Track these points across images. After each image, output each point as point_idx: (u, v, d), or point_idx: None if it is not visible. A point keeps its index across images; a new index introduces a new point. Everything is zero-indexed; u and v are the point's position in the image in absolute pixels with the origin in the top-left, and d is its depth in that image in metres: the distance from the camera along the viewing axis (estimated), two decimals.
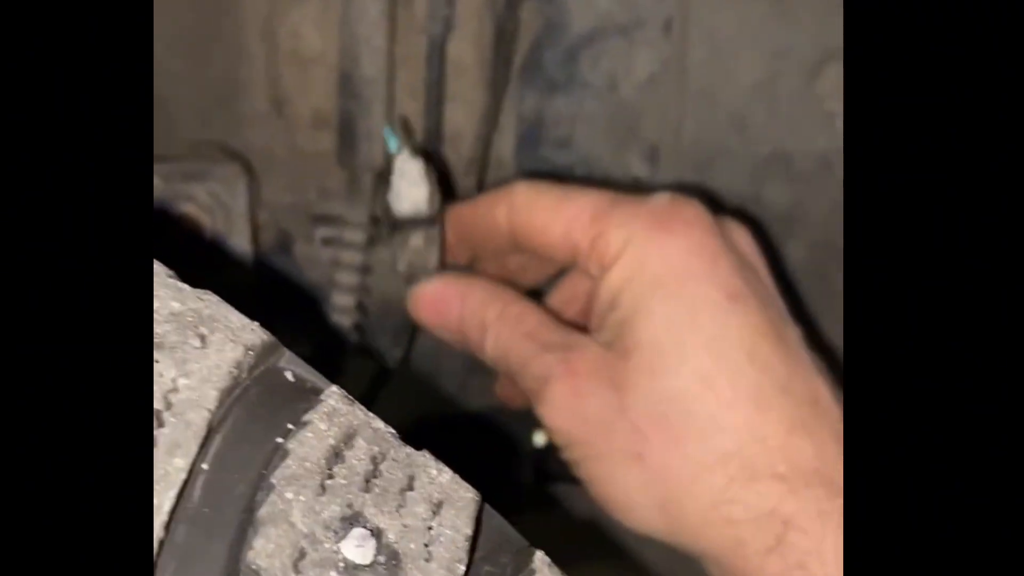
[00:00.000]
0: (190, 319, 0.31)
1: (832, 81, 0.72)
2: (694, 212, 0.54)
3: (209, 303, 0.32)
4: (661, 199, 0.55)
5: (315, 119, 0.75)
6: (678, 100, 0.72)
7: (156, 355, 0.29)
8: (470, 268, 0.66)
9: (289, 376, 0.34)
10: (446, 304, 0.58)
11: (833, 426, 0.51)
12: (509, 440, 0.99)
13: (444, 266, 0.62)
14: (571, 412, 0.53)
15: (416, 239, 0.60)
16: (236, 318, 0.32)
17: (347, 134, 0.70)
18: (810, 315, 0.73)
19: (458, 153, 0.76)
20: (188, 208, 0.69)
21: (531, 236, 0.56)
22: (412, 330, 0.75)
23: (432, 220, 0.61)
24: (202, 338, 0.31)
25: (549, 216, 0.55)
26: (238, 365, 0.31)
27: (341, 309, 0.73)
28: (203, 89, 0.76)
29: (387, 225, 0.60)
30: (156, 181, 0.69)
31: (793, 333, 0.54)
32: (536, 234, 0.55)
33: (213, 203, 0.70)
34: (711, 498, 0.49)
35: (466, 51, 0.71)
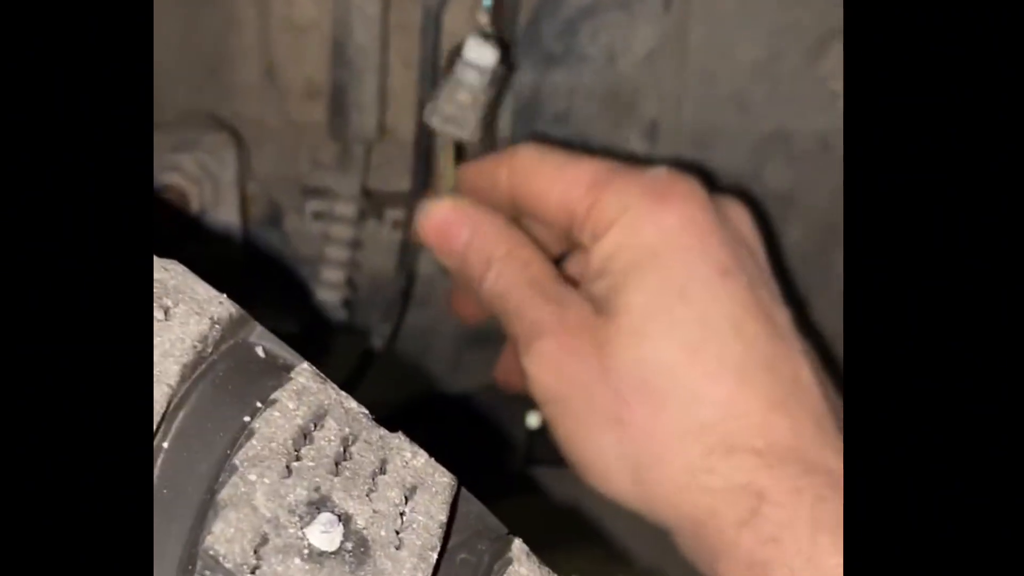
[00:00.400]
0: (154, 290, 0.29)
1: (835, 60, 0.70)
2: (690, 187, 0.53)
3: (174, 273, 0.30)
4: (659, 172, 0.55)
5: (307, 89, 0.74)
6: (678, 77, 0.71)
7: None
8: None
9: (259, 352, 0.33)
10: (455, 229, 0.57)
11: (812, 406, 0.51)
12: (499, 424, 0.98)
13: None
14: (556, 368, 0.53)
15: (465, 92, 0.58)
16: (203, 289, 0.31)
17: (339, 104, 0.69)
18: (806, 296, 0.72)
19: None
20: (174, 178, 0.67)
21: (529, 200, 0.56)
22: (402, 307, 0.74)
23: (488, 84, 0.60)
24: (165, 311, 0.29)
25: (548, 181, 0.55)
26: (203, 339, 0.30)
27: (330, 284, 0.72)
28: (193, 57, 0.74)
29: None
30: None
31: (782, 313, 0.54)
32: (534, 198, 0.55)
33: (201, 173, 0.68)
34: (687, 466, 0.49)
35: (461, 21, 0.69)
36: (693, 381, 0.51)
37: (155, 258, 0.30)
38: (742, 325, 0.51)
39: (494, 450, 1.03)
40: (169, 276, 0.30)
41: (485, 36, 0.60)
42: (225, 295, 0.31)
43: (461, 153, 0.61)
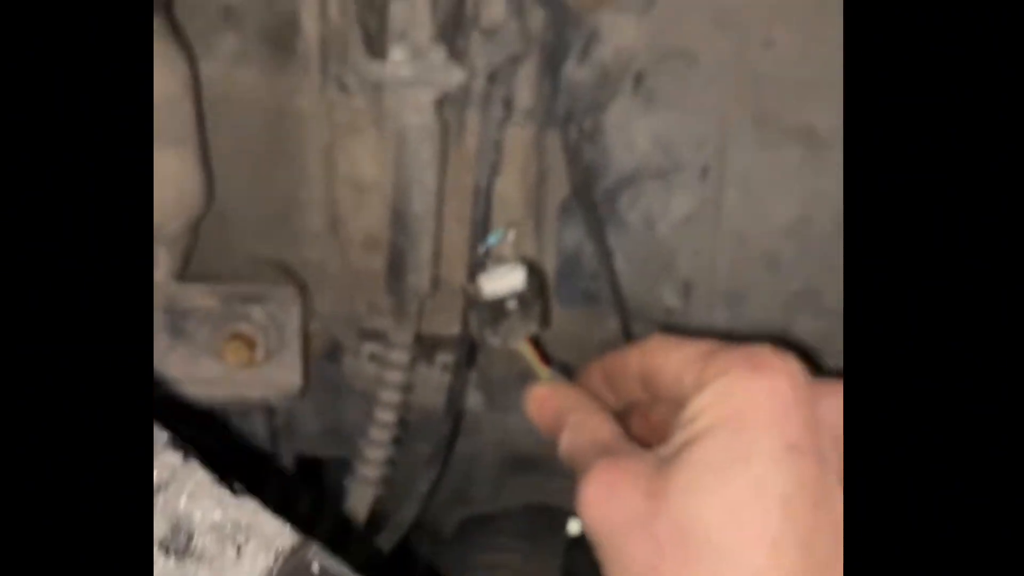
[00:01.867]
0: (229, 530, 0.34)
1: None
2: (786, 362, 0.55)
3: (247, 511, 0.36)
4: (763, 347, 0.56)
5: (367, 241, 0.80)
6: (712, 239, 0.76)
7: (197, 567, 0.33)
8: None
9: (315, 569, 0.37)
10: (547, 404, 0.62)
11: None
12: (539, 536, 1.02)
13: (548, 362, 0.65)
14: (602, 510, 0.56)
15: (512, 307, 0.63)
16: (270, 526, 0.36)
17: (396, 265, 0.74)
18: None
19: None
20: (244, 328, 0.73)
21: (653, 377, 0.59)
22: (449, 445, 0.78)
23: (525, 296, 0.63)
24: (238, 548, 0.34)
25: (668, 357, 0.58)
26: (268, 571, 0.35)
27: (382, 425, 0.77)
28: (264, 206, 0.81)
29: (480, 310, 0.63)
30: (213, 302, 0.74)
31: (837, 495, 0.56)
32: (656, 374, 0.59)
33: (268, 322, 0.74)
34: None
35: (512, 188, 0.75)
36: (728, 545, 0.53)
37: (232, 497, 0.36)
38: (791, 500, 0.53)
39: (535, 561, 1.06)
40: (242, 515, 0.35)
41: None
42: (288, 525, 0.37)
43: (538, 344, 0.66)
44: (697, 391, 0.55)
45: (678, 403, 0.59)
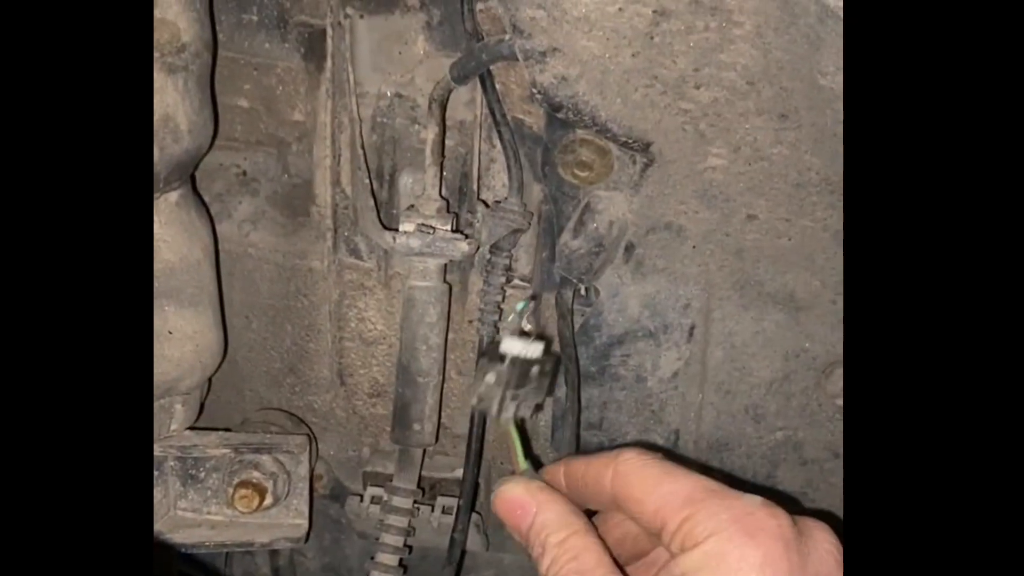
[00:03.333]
0: None
1: (841, 382, 0.79)
2: (779, 525, 0.55)
3: None
4: (753, 502, 0.56)
5: (372, 389, 0.84)
6: (699, 393, 0.80)
7: None
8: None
9: None
10: (521, 511, 0.60)
11: None
12: None
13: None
14: None
15: (535, 373, 0.65)
16: None
17: (401, 416, 0.78)
18: None
19: (501, 427, 0.84)
20: (254, 475, 0.77)
21: (628, 502, 0.59)
22: None
23: (545, 368, 0.65)
24: None
25: (647, 488, 0.58)
26: None
27: (384, 567, 0.80)
28: (275, 357, 0.85)
29: (506, 371, 0.65)
30: (227, 452, 0.78)
31: None
32: (633, 502, 0.58)
33: (278, 471, 0.78)
34: None
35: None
36: None
37: None
38: None
39: None
40: None
41: (521, 334, 0.68)
42: None
43: (524, 434, 0.67)
44: (686, 547, 0.56)
45: (652, 530, 0.58)
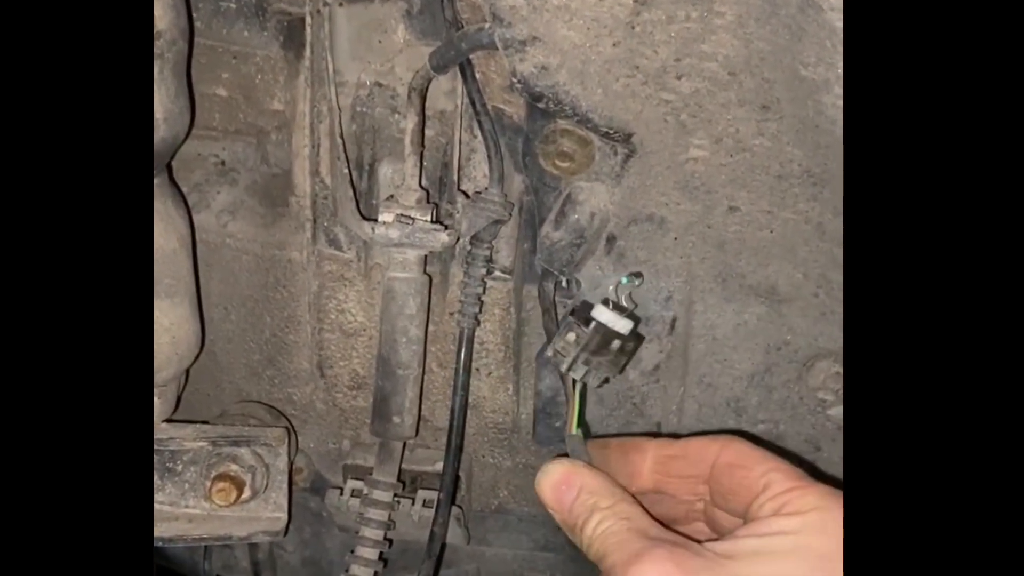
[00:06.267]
0: None
1: (822, 375, 0.79)
2: None
3: None
4: None
5: (353, 381, 0.83)
6: (680, 386, 0.80)
7: None
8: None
9: None
10: (566, 486, 0.60)
11: None
12: None
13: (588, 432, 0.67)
14: None
15: (615, 346, 0.65)
16: None
17: (381, 409, 0.78)
18: None
19: (482, 420, 0.84)
20: (232, 468, 0.76)
21: (733, 467, 0.60)
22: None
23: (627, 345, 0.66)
24: None
25: (758, 458, 0.60)
26: None
27: (364, 561, 0.79)
28: (253, 348, 0.84)
29: (589, 336, 0.65)
30: (204, 444, 0.77)
31: None
32: (738, 467, 0.60)
33: (256, 464, 0.77)
34: None
35: (492, 336, 0.79)
36: None
37: None
38: None
39: None
40: None
41: (615, 306, 0.68)
42: None
43: (584, 400, 0.67)
44: (785, 512, 0.56)
45: (742, 497, 0.59)
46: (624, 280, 0.68)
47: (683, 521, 0.65)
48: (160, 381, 0.76)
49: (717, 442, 0.61)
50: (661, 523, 0.58)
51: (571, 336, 0.65)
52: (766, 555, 0.54)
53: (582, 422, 0.66)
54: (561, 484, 0.60)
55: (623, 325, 0.66)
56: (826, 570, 0.53)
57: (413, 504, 0.82)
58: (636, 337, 0.68)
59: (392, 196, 0.73)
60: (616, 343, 0.66)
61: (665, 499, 0.64)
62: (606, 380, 0.67)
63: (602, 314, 0.66)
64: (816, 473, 0.57)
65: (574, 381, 0.66)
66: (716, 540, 0.56)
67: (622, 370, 0.69)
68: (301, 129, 0.75)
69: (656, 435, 0.70)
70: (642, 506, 0.59)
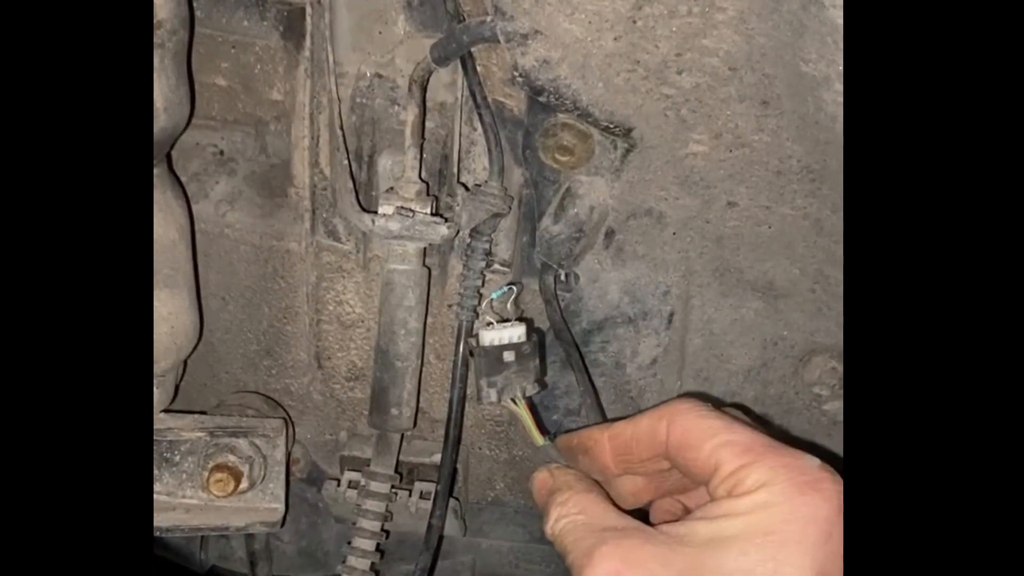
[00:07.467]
0: None
1: (818, 370, 0.79)
2: (833, 488, 0.55)
3: None
4: (812, 463, 0.56)
5: (350, 372, 0.83)
6: (677, 380, 0.80)
7: None
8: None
9: None
10: (545, 493, 0.63)
11: None
12: None
13: (543, 431, 0.68)
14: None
15: (509, 359, 0.67)
16: None
17: (379, 400, 0.78)
18: None
19: (479, 412, 0.84)
20: (230, 459, 0.76)
21: (682, 452, 0.59)
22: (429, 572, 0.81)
23: (523, 350, 0.68)
24: None
25: (704, 437, 0.58)
26: None
27: (361, 552, 0.80)
28: (251, 339, 0.84)
29: (478, 360, 0.67)
30: (202, 435, 0.77)
31: None
32: (687, 450, 0.59)
33: (254, 454, 0.77)
34: None
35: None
36: None
37: None
38: None
39: None
40: None
41: (486, 324, 0.69)
42: None
43: (533, 411, 0.68)
44: (735, 493, 0.56)
45: (699, 475, 0.58)
46: (495, 296, 0.69)
47: (688, 488, 0.64)
48: (159, 371, 0.76)
49: (663, 419, 0.60)
50: (619, 507, 0.60)
51: (473, 372, 0.67)
52: (718, 541, 0.54)
53: (545, 429, 0.67)
54: (540, 490, 0.63)
55: (508, 335, 0.66)
56: (769, 547, 0.53)
57: (410, 496, 0.82)
58: (533, 336, 0.68)
59: (392, 188, 0.73)
60: (509, 354, 0.67)
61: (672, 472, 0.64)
62: (541, 384, 0.69)
63: (484, 338, 0.67)
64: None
65: (512, 400, 0.67)
66: (675, 522, 0.56)
67: (543, 370, 0.70)
68: (300, 120, 0.75)
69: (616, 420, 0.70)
70: (601, 491, 0.61)
